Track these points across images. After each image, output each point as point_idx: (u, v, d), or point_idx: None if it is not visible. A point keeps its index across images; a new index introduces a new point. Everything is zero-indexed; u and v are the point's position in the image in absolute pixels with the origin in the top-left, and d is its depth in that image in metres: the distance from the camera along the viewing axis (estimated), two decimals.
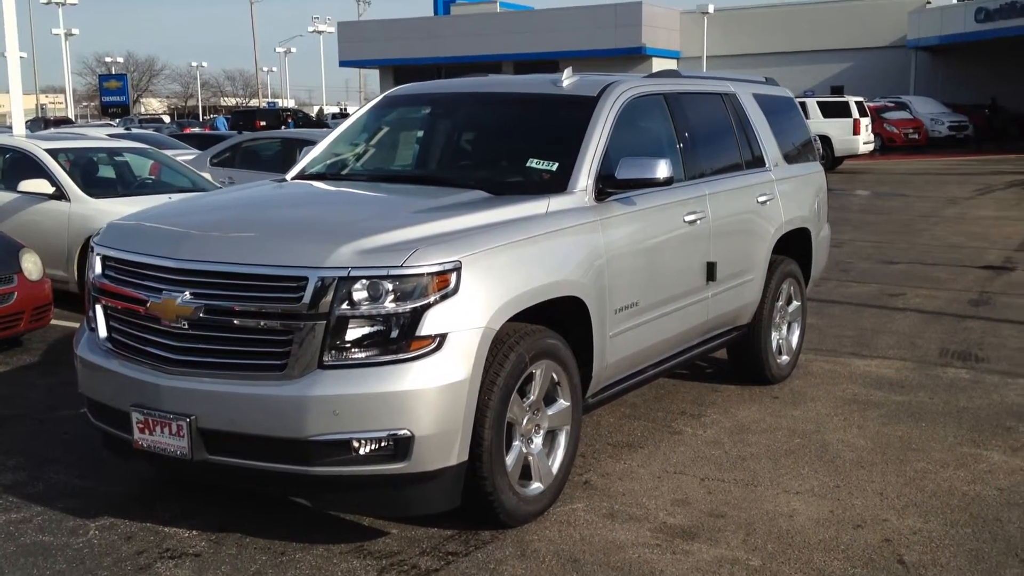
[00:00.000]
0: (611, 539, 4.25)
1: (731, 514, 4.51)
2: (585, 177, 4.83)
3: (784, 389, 6.54)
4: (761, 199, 6.28)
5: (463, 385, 3.91)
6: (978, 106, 39.14)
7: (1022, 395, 6.37)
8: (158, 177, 10.80)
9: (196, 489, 4.75)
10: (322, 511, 4.43)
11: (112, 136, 14.90)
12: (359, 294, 3.83)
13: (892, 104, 36.62)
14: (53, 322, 8.01)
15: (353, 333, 3.83)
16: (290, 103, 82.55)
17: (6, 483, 4.91)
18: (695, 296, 5.61)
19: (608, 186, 4.86)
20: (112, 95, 62.58)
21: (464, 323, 3.93)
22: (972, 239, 13.89)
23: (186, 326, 3.99)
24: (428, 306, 3.86)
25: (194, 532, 4.31)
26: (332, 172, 5.66)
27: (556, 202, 4.65)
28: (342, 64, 56.23)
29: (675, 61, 47.42)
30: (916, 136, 34.66)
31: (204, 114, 75.33)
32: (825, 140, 26.17)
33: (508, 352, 4.12)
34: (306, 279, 3.83)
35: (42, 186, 9.30)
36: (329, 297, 3.81)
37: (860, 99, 28.90)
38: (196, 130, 33.29)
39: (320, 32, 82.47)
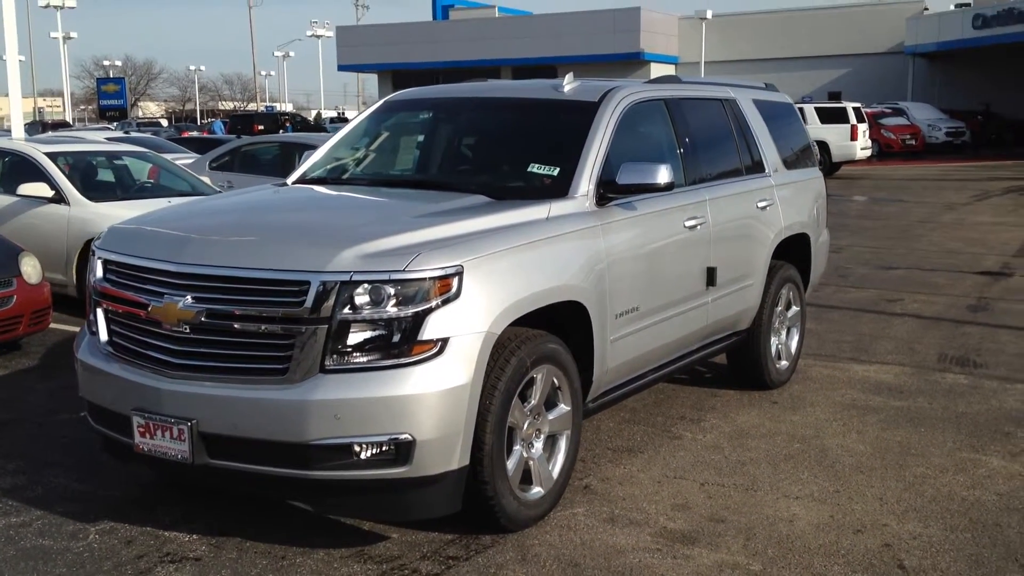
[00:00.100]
0: (612, 544, 4.25)
1: (731, 519, 4.52)
2: (586, 182, 4.83)
3: (783, 394, 6.55)
4: (761, 204, 6.29)
5: (464, 389, 3.92)
6: (971, 112, 39.17)
7: (1021, 400, 6.38)
8: (157, 181, 10.80)
9: (196, 493, 4.75)
10: (323, 515, 4.43)
11: (111, 140, 14.86)
12: (361, 298, 3.83)
13: (889, 110, 36.68)
14: (52, 326, 8.00)
15: (355, 337, 3.84)
16: (288, 107, 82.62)
17: (5, 487, 4.90)
18: (695, 301, 5.62)
19: (609, 191, 4.87)
20: (110, 99, 62.56)
21: (466, 327, 3.93)
22: (970, 245, 13.91)
23: (187, 330, 3.99)
24: (430, 310, 3.87)
25: (194, 536, 4.31)
26: (333, 176, 5.67)
27: (557, 207, 4.66)
28: (340, 68, 56.28)
29: (673, 66, 47.52)
30: (913, 142, 34.72)
31: (202, 118, 75.35)
32: (823, 146, 26.19)
33: (509, 356, 4.13)
34: (308, 283, 3.84)
35: (41, 190, 9.30)
36: (331, 301, 3.81)
37: (858, 105, 28.95)
38: (194, 134, 33.32)
39: (318, 36, 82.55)
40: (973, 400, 6.39)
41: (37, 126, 43.04)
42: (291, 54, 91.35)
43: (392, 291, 3.84)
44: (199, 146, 18.98)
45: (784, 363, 6.77)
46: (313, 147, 6.10)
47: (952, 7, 42.95)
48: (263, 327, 3.89)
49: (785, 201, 6.58)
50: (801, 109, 25.67)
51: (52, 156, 9.75)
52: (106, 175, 10.64)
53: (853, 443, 5.56)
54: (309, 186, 5.50)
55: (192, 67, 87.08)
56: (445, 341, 3.89)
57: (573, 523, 4.46)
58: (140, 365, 4.15)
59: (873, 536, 4.33)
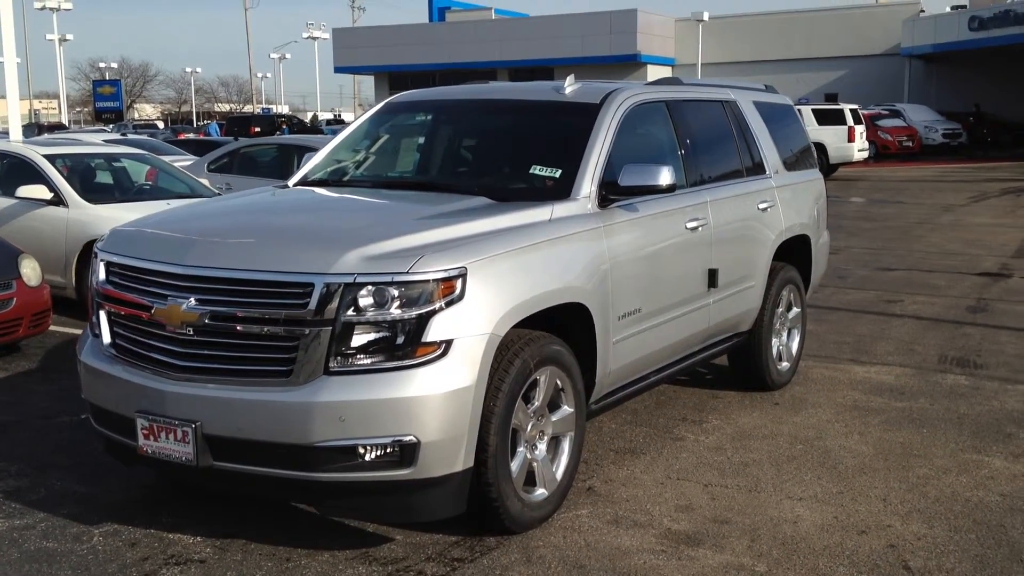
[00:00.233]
0: (616, 545, 4.25)
1: (735, 520, 4.52)
2: (588, 184, 4.84)
3: (785, 395, 6.55)
4: (762, 206, 6.29)
5: (468, 391, 3.91)
6: (962, 114, 39.17)
7: (1022, 402, 6.39)
8: (156, 183, 10.80)
9: (200, 495, 4.74)
10: (327, 517, 4.42)
11: (109, 142, 14.84)
12: (365, 300, 3.83)
13: (886, 112, 36.73)
14: (51, 328, 8.00)
15: (359, 339, 3.84)
16: (284, 109, 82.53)
17: (8, 489, 4.89)
18: (697, 303, 5.63)
19: (611, 193, 4.87)
20: (106, 101, 62.56)
21: (470, 329, 3.93)
22: (968, 246, 13.94)
23: (191, 332, 3.99)
24: (434, 312, 3.86)
25: (198, 538, 4.30)
26: (335, 178, 5.67)
27: (560, 209, 4.66)
28: (337, 70, 56.29)
29: (670, 68, 47.54)
30: (910, 144, 34.75)
31: (198, 120, 75.30)
32: (820, 147, 26.20)
33: (513, 358, 4.13)
34: (312, 285, 3.84)
35: (40, 192, 9.29)
36: (335, 303, 3.81)
37: (855, 106, 28.99)
38: (191, 136, 33.30)
39: (315, 38, 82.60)
40: (974, 401, 6.39)
41: (33, 128, 42.96)
42: (287, 56, 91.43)
43: (396, 293, 3.84)
44: (195, 148, 18.95)
45: (785, 364, 6.77)
46: (311, 149, 6.12)
47: (948, 9, 43.03)
48: (267, 329, 3.89)
49: (786, 203, 6.59)
50: (798, 111, 25.69)
51: (50, 158, 9.74)
52: (104, 177, 10.64)
53: (855, 444, 5.56)
54: (311, 188, 5.49)
55: (188, 69, 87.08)
56: (449, 343, 3.88)
57: (577, 525, 4.45)
58: (143, 367, 4.14)
59: (877, 537, 4.34)
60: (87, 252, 8.89)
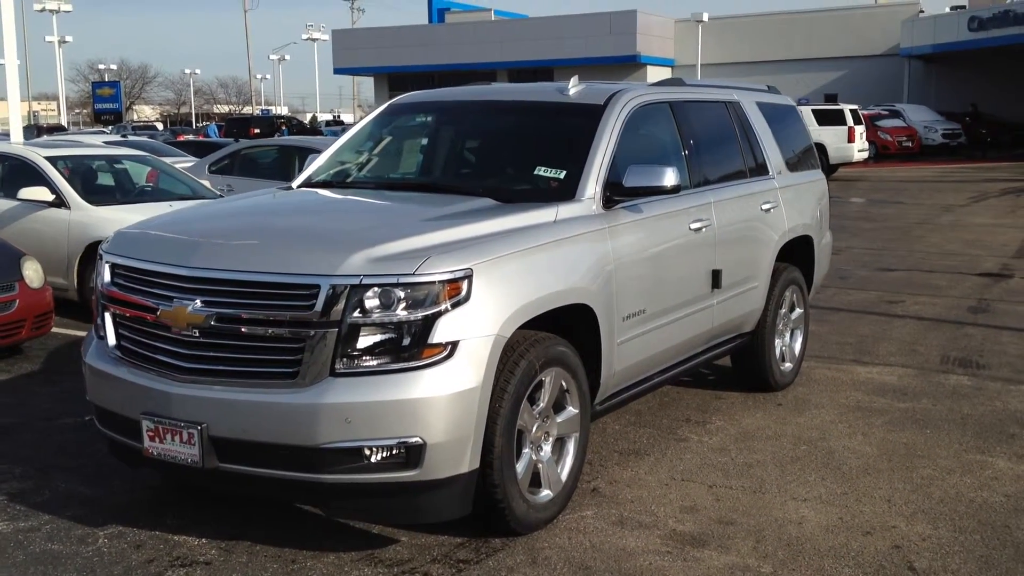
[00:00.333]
0: (622, 546, 4.25)
1: (740, 521, 4.52)
2: (593, 185, 4.84)
3: (788, 396, 6.55)
4: (765, 207, 6.30)
5: (475, 393, 3.91)
6: (959, 114, 39.15)
7: None
8: (157, 184, 10.80)
9: (205, 497, 4.74)
10: (333, 519, 4.42)
11: (109, 143, 14.84)
12: (371, 302, 3.83)
13: (886, 112, 36.74)
14: (54, 330, 8.00)
15: (365, 341, 3.84)
16: (283, 110, 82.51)
17: (12, 491, 4.89)
18: (701, 303, 5.63)
19: (616, 194, 4.87)
20: (105, 102, 62.54)
21: (476, 331, 3.93)
22: (969, 246, 13.94)
23: (197, 334, 3.99)
24: (440, 314, 3.86)
25: (204, 540, 4.30)
26: (339, 180, 5.66)
27: (565, 210, 4.66)
28: (336, 71, 56.30)
29: (669, 69, 47.55)
30: (910, 144, 34.75)
31: (197, 121, 75.25)
32: (820, 148, 26.19)
33: (519, 360, 4.13)
34: (318, 287, 3.84)
35: (42, 194, 9.29)
36: (341, 305, 3.81)
37: (855, 107, 29.00)
38: (190, 137, 33.28)
39: (314, 40, 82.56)
40: (977, 402, 6.40)
41: (32, 130, 42.95)
42: (287, 57, 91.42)
43: (402, 294, 3.84)
44: (195, 150, 18.94)
45: (788, 365, 6.77)
46: (312, 151, 6.12)
47: (947, 9, 43.03)
48: (273, 331, 3.89)
49: (789, 203, 6.60)
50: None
51: (52, 160, 9.74)
52: (106, 179, 10.64)
53: (859, 445, 5.57)
54: (315, 190, 5.49)
55: (187, 70, 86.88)
56: (455, 344, 3.88)
57: (582, 526, 4.46)
58: (149, 369, 4.14)
59: (883, 538, 4.34)
60: (89, 254, 8.89)
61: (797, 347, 6.94)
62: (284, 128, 40.32)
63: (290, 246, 4.13)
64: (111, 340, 4.38)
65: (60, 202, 9.28)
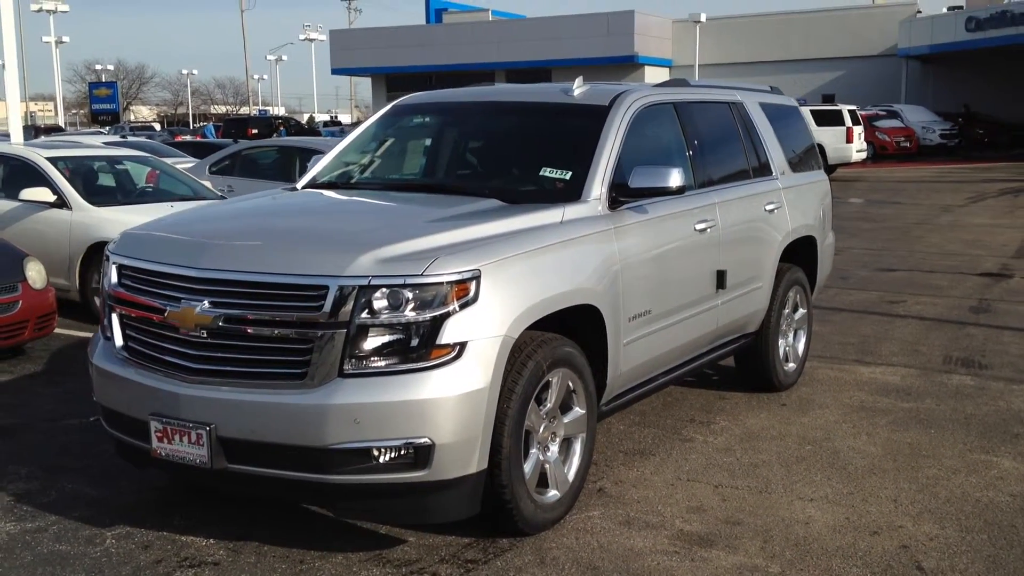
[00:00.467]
0: (629, 546, 4.26)
1: (747, 521, 4.53)
2: (599, 186, 4.84)
3: (792, 396, 6.56)
4: (769, 207, 6.31)
5: (483, 393, 3.92)
6: (953, 114, 39.18)
7: None
8: (157, 185, 10.79)
9: (213, 497, 4.74)
10: (341, 519, 4.42)
11: (109, 144, 14.83)
12: (379, 303, 3.83)
13: (884, 112, 36.78)
14: (56, 331, 7.99)
15: (373, 342, 3.84)
16: (280, 111, 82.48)
17: (19, 492, 4.89)
18: (705, 304, 5.64)
19: (621, 195, 4.88)
20: (102, 103, 62.47)
21: (483, 331, 3.94)
22: (968, 246, 13.96)
23: (205, 335, 3.99)
24: (448, 315, 3.87)
25: (212, 541, 4.30)
26: (344, 180, 5.66)
27: (571, 211, 4.66)
28: (334, 72, 56.27)
29: (667, 70, 47.58)
30: (907, 144, 34.81)
31: (194, 122, 75.19)
32: (818, 148, 26.18)
33: (526, 360, 4.13)
34: (326, 288, 3.84)
35: (43, 194, 9.28)
36: (349, 306, 3.81)
37: (853, 107, 29.03)
38: (187, 138, 33.26)
39: (311, 40, 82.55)
40: (980, 401, 6.41)
41: (31, 130, 42.89)
42: (284, 58, 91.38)
43: (410, 295, 3.84)
44: (193, 150, 18.93)
45: (792, 365, 6.78)
46: (313, 151, 6.11)
47: (945, 10, 43.08)
48: (281, 331, 3.89)
49: (792, 204, 6.61)
50: None
51: (53, 161, 9.73)
52: (107, 179, 10.63)
53: (864, 445, 5.58)
54: (320, 191, 5.49)
55: (184, 71, 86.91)
56: (463, 345, 3.89)
57: (589, 526, 4.46)
58: (157, 370, 4.14)
59: (890, 538, 4.35)
60: (91, 254, 8.89)
61: (800, 347, 6.95)
62: (282, 128, 40.28)
63: (298, 247, 4.13)
64: (118, 341, 4.38)
65: (61, 203, 9.27)
